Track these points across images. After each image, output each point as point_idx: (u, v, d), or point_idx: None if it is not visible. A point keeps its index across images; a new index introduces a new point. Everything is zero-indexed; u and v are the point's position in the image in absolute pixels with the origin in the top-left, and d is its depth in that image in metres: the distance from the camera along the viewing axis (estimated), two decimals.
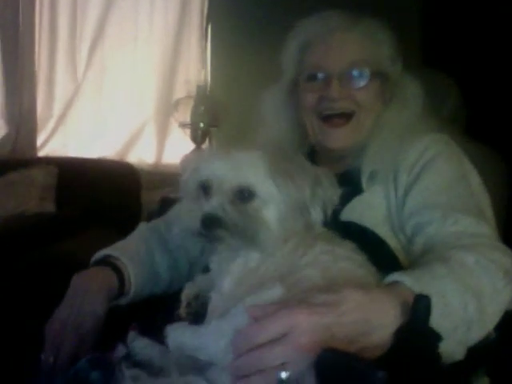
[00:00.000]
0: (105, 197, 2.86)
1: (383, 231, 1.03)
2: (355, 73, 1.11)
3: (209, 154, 0.91)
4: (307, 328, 0.65)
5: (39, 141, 3.21)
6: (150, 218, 2.86)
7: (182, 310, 0.96)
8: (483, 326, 0.80)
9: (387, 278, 0.78)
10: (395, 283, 0.76)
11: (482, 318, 0.78)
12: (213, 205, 0.83)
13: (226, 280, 0.85)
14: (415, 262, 0.93)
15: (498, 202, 1.13)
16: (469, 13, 2.38)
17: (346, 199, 1.01)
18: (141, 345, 0.85)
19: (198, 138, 3.06)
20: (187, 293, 0.97)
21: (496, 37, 2.23)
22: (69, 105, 3.22)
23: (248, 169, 0.86)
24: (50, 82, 3.22)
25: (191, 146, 3.11)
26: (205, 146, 3.10)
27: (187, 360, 0.77)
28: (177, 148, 3.24)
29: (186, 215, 0.86)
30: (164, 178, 3.13)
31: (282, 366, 0.64)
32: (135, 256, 1.14)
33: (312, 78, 1.14)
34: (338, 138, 1.13)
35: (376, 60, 1.13)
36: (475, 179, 1.07)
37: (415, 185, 1.03)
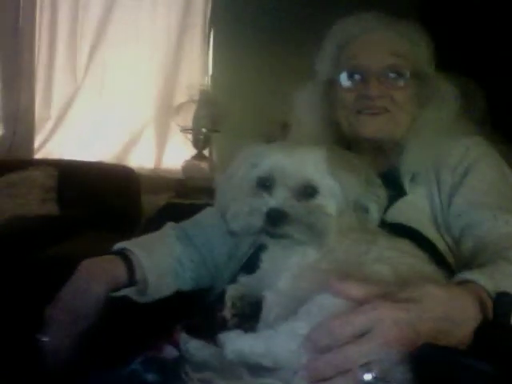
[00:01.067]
0: (104, 200, 2.81)
1: (430, 233, 1.02)
2: (393, 73, 1.12)
3: (269, 150, 0.89)
4: (393, 323, 0.62)
5: (37, 142, 3.15)
6: (147, 224, 2.85)
7: (227, 312, 0.93)
8: None
9: (456, 277, 0.77)
10: (468, 282, 0.74)
11: None
12: (278, 200, 0.81)
13: (282, 277, 0.82)
14: (466, 262, 0.92)
15: None
16: (471, 14, 2.42)
17: (389, 201, 0.99)
18: (196, 346, 0.81)
19: (199, 143, 3.04)
20: (231, 294, 0.95)
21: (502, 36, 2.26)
22: (67, 106, 3.17)
23: (311, 164, 0.85)
24: (49, 82, 3.18)
25: (191, 150, 3.09)
26: (206, 151, 3.08)
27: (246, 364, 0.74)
28: (176, 153, 3.22)
29: (245, 212, 0.83)
30: (163, 183, 3.11)
31: (366, 366, 0.61)
32: (150, 247, 1.13)
33: (350, 77, 1.14)
34: (374, 125, 1.13)
35: (413, 60, 1.14)
36: None
37: (461, 185, 1.04)
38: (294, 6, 3.00)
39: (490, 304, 0.70)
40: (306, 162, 0.85)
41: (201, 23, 3.23)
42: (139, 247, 1.10)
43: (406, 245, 0.85)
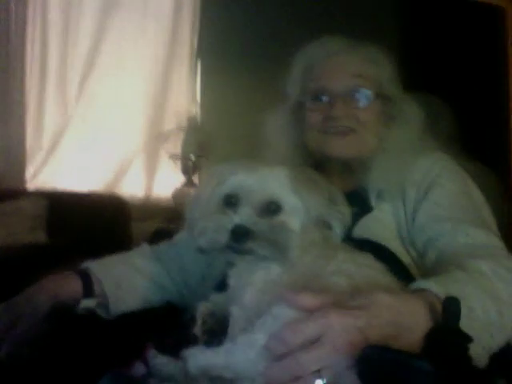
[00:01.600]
0: (94, 229, 2.84)
1: (395, 247, 1.05)
2: (359, 94, 1.15)
3: (234, 168, 0.92)
4: (341, 329, 0.64)
5: (28, 173, 3.18)
6: None
7: (197, 329, 0.95)
8: (504, 331, 0.80)
9: (411, 286, 0.79)
10: (422, 290, 0.76)
11: (503, 323, 0.79)
12: (242, 217, 0.83)
13: (247, 292, 0.85)
14: (429, 274, 0.94)
15: (497, 217, 1.16)
16: (444, 34, 2.49)
17: (355, 218, 1.03)
18: (163, 361, 0.83)
19: (188, 169, 3.07)
20: (202, 311, 0.97)
21: (478, 53, 2.32)
22: (58, 137, 3.21)
23: (275, 182, 0.87)
24: (40, 114, 3.22)
25: (181, 177, 3.13)
26: (195, 178, 3.12)
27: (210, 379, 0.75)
28: (166, 180, 3.25)
29: (211, 228, 0.86)
30: (154, 211, 3.13)
31: (318, 373, 0.63)
32: (112, 262, 1.18)
33: (317, 98, 1.18)
34: (340, 145, 1.16)
35: (377, 81, 1.18)
36: (478, 194, 1.11)
37: (424, 201, 1.07)
38: (280, 33, 3.07)
39: (441, 310, 0.71)
40: (270, 180, 0.87)
41: (188, 52, 3.30)
42: (99, 263, 1.15)
43: (365, 258, 0.87)
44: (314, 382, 0.62)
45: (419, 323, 0.70)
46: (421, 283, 0.78)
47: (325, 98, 1.17)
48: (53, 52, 3.24)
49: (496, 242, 0.98)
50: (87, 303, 1.09)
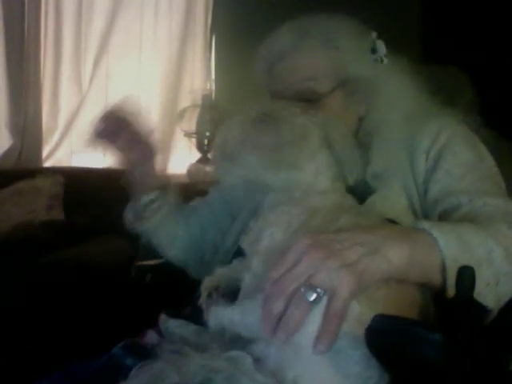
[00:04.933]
0: (111, 205, 2.84)
1: (407, 222, 1.00)
2: (307, 92, 1.08)
3: None
4: (310, 242, 0.69)
5: (45, 152, 3.20)
6: None
7: (203, 302, 0.96)
8: None
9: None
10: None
11: None
12: None
13: (254, 260, 0.85)
14: None
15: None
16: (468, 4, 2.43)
17: (361, 198, 1.02)
18: (176, 324, 0.84)
19: (203, 146, 3.06)
20: (208, 284, 0.98)
21: (499, 25, 2.26)
22: (74, 116, 3.22)
23: None
24: (56, 93, 3.22)
25: (196, 155, 3.12)
26: (210, 155, 3.11)
27: (227, 338, 0.76)
28: (182, 157, 3.25)
29: None
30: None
31: (310, 289, 0.66)
32: None
33: None
34: None
35: (335, 69, 1.10)
36: (491, 160, 1.07)
37: (436, 170, 1.03)
38: (294, 11, 3.03)
39: (426, 239, 0.74)
40: None
41: (202, 30, 3.27)
42: None
43: (370, 220, 0.86)
44: (308, 297, 0.65)
45: (394, 245, 0.71)
46: (418, 223, 0.79)
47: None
48: (67, 31, 3.24)
49: None
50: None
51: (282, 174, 0.91)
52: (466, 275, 0.66)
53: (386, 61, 1.12)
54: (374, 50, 1.12)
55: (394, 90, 1.11)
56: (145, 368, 0.69)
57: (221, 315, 0.78)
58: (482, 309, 0.65)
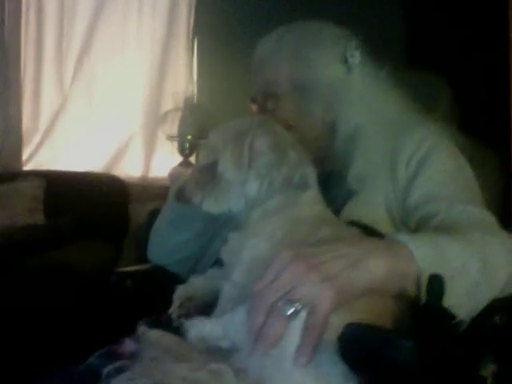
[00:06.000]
0: (93, 209, 2.84)
1: (385, 228, 1.02)
2: (269, 94, 1.16)
3: None
4: (291, 256, 0.70)
5: (25, 154, 3.17)
6: (139, 231, 2.86)
7: (174, 312, 0.96)
8: (489, 289, 0.80)
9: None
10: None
11: (487, 281, 0.79)
12: None
13: (236, 270, 0.85)
14: None
15: (492, 198, 1.15)
16: (452, 11, 2.46)
17: (341, 201, 1.05)
18: (156, 334, 0.84)
19: (185, 150, 3.06)
20: (180, 294, 0.98)
21: (482, 31, 2.29)
22: (55, 118, 3.20)
23: None
24: (36, 95, 3.20)
25: (179, 158, 3.12)
26: (192, 158, 3.11)
27: (207, 349, 0.76)
28: (164, 161, 3.24)
29: None
30: (152, 191, 3.13)
31: (288, 303, 0.67)
32: None
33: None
34: None
35: (296, 75, 1.15)
36: (470, 171, 1.09)
37: (417, 177, 1.04)
38: (277, 13, 3.04)
39: (403, 252, 0.74)
40: None
41: (184, 33, 3.27)
42: None
43: (349, 232, 0.87)
44: (286, 312, 0.66)
45: (374, 258, 0.72)
46: (393, 235, 0.80)
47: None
48: (49, 33, 3.21)
49: (491, 218, 0.97)
50: None
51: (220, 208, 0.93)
52: (436, 283, 0.67)
53: (358, 69, 1.15)
54: (346, 60, 1.15)
55: (371, 97, 1.14)
56: (122, 377, 0.69)
57: (201, 327, 0.78)
58: (450, 316, 0.66)
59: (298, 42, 1.17)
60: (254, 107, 1.23)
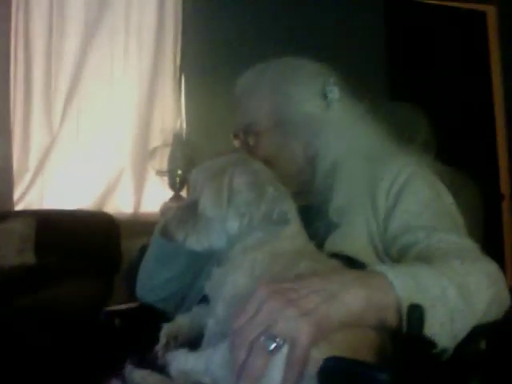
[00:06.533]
0: (84, 247, 2.84)
1: (368, 258, 1.03)
2: (250, 131, 1.20)
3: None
4: (270, 293, 0.71)
5: (16, 194, 3.18)
6: (130, 266, 2.85)
7: (160, 349, 0.96)
8: (471, 320, 0.80)
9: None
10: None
11: (468, 307, 0.80)
12: None
13: (219, 305, 0.86)
14: None
15: (474, 225, 1.17)
16: (431, 48, 2.53)
17: (324, 234, 1.06)
18: (142, 374, 0.84)
19: (175, 184, 3.07)
20: (166, 332, 0.98)
21: (463, 57, 2.35)
22: (45, 157, 3.21)
23: None
24: (26, 135, 3.22)
25: (169, 193, 3.13)
26: (183, 192, 3.12)
27: None
28: (155, 196, 3.26)
29: None
30: (143, 227, 3.13)
31: (270, 338, 0.67)
32: None
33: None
34: None
35: (276, 112, 1.18)
36: (449, 198, 1.11)
37: (395, 208, 1.06)
38: (263, 48, 3.10)
39: (382, 282, 0.75)
40: None
41: (171, 69, 3.33)
42: None
43: (328, 265, 0.88)
44: (268, 347, 0.67)
45: (351, 290, 0.73)
46: (373, 267, 0.82)
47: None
48: (37, 73, 3.25)
49: (470, 245, 0.98)
50: None
51: (202, 245, 0.93)
52: (416, 313, 0.68)
53: (336, 104, 1.18)
54: (325, 95, 1.18)
55: (350, 131, 1.16)
56: None
57: (183, 362, 0.79)
58: (430, 344, 0.67)
59: (277, 78, 1.20)
60: (237, 142, 1.25)
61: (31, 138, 3.24)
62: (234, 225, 0.90)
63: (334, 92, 1.17)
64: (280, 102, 1.18)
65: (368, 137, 1.16)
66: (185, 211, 0.94)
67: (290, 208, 0.93)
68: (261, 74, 1.22)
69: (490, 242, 1.20)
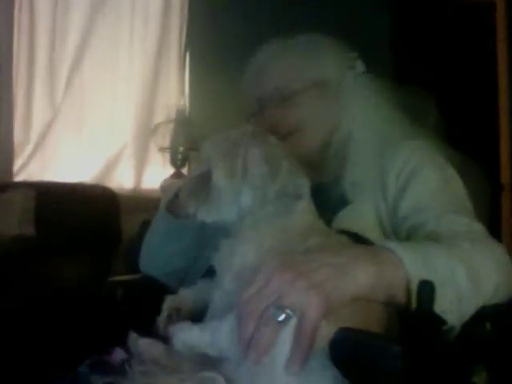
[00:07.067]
0: (84, 221, 2.84)
1: (375, 237, 1.03)
2: (278, 95, 1.16)
3: None
4: (277, 265, 0.72)
5: (16, 166, 3.16)
6: (130, 242, 2.86)
7: (162, 322, 0.96)
8: (477, 297, 0.81)
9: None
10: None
11: (476, 289, 0.80)
12: None
13: (226, 277, 0.86)
14: None
15: (480, 210, 1.17)
16: (435, 29, 2.51)
17: (333, 211, 1.06)
18: (145, 343, 0.84)
19: (177, 162, 3.07)
20: (169, 304, 0.98)
21: (470, 44, 2.34)
22: (46, 130, 3.19)
23: None
24: (28, 107, 3.19)
25: (170, 170, 3.12)
26: (184, 170, 3.12)
27: (197, 357, 0.76)
28: (156, 173, 3.25)
29: None
30: (143, 203, 3.13)
31: (279, 309, 0.67)
32: None
33: (256, 112, 1.19)
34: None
35: (310, 70, 1.17)
36: (459, 183, 1.11)
37: (406, 190, 1.06)
38: (269, 26, 3.07)
39: (392, 258, 0.76)
40: None
41: (176, 45, 3.30)
42: None
43: (337, 240, 0.88)
44: (277, 318, 0.67)
45: (361, 265, 0.73)
46: (385, 243, 0.81)
47: (259, 109, 1.18)
48: (40, 46, 3.21)
49: (480, 228, 0.99)
50: None
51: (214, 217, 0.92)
52: (426, 289, 0.68)
53: (363, 78, 1.19)
54: (352, 67, 1.19)
55: (368, 106, 1.16)
56: None
57: (188, 334, 0.78)
58: (440, 321, 0.67)
59: (309, 46, 1.19)
60: (258, 120, 1.18)
61: (33, 110, 3.21)
62: (247, 197, 0.88)
63: (361, 65, 1.19)
64: (314, 63, 1.17)
65: (385, 115, 1.16)
66: (197, 182, 0.92)
67: (304, 183, 0.92)
68: (284, 43, 1.20)
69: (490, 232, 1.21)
